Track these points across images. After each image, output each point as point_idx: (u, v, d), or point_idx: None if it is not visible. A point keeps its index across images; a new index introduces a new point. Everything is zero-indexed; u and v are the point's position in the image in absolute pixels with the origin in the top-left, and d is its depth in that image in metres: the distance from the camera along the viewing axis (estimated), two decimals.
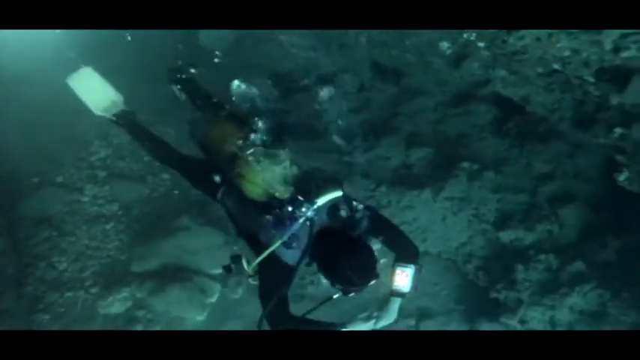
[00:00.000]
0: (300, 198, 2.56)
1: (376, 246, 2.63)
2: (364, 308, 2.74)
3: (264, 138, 2.90)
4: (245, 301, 5.33)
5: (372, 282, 2.47)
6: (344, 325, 2.65)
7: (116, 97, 3.53)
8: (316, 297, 2.52)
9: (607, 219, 5.15)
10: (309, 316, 2.65)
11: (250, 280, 2.67)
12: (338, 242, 2.50)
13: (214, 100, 3.45)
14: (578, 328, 4.84)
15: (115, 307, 5.09)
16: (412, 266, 2.77)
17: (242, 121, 3.06)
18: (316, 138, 5.90)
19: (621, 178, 4.38)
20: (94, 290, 5.19)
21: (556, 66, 4.19)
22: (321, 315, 2.64)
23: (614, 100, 3.96)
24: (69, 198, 5.78)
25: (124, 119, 3.51)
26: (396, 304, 2.74)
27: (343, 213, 2.55)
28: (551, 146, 5.45)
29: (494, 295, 5.19)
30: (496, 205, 5.44)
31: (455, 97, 6.06)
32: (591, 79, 4.02)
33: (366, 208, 2.66)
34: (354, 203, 2.62)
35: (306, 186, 2.61)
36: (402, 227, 5.24)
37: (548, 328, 4.95)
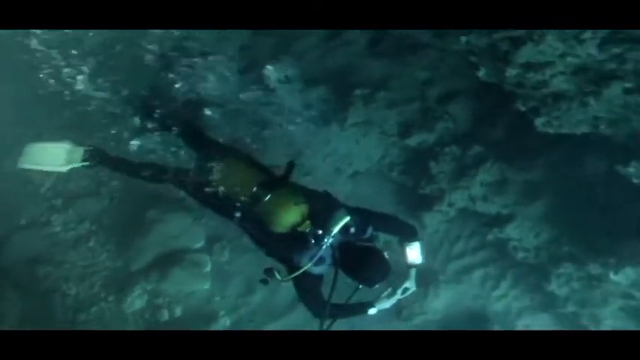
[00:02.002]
0: (319, 232, 2.90)
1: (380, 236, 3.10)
2: (387, 286, 3.25)
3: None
4: (234, 260, 6.22)
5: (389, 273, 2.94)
6: (375, 302, 3.22)
7: (68, 146, 3.49)
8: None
9: (489, 105, 5.68)
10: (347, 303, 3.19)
11: (282, 283, 3.07)
12: (356, 254, 2.96)
13: (214, 138, 3.62)
14: (491, 198, 5.68)
15: (137, 304, 5.78)
16: (417, 242, 3.29)
17: (254, 163, 3.37)
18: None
19: (480, 74, 4.64)
20: (111, 298, 5.84)
21: None
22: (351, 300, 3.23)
23: None
24: (43, 233, 6.07)
25: (97, 158, 3.56)
26: (414, 273, 3.31)
27: (353, 230, 2.97)
28: (422, 55, 5.74)
29: (421, 191, 5.99)
30: (396, 119, 5.95)
31: (328, 34, 6.14)
32: None
33: (361, 212, 3.09)
34: (358, 220, 2.99)
35: (320, 218, 2.98)
36: (328, 159, 6.06)
37: (471, 205, 5.82)
